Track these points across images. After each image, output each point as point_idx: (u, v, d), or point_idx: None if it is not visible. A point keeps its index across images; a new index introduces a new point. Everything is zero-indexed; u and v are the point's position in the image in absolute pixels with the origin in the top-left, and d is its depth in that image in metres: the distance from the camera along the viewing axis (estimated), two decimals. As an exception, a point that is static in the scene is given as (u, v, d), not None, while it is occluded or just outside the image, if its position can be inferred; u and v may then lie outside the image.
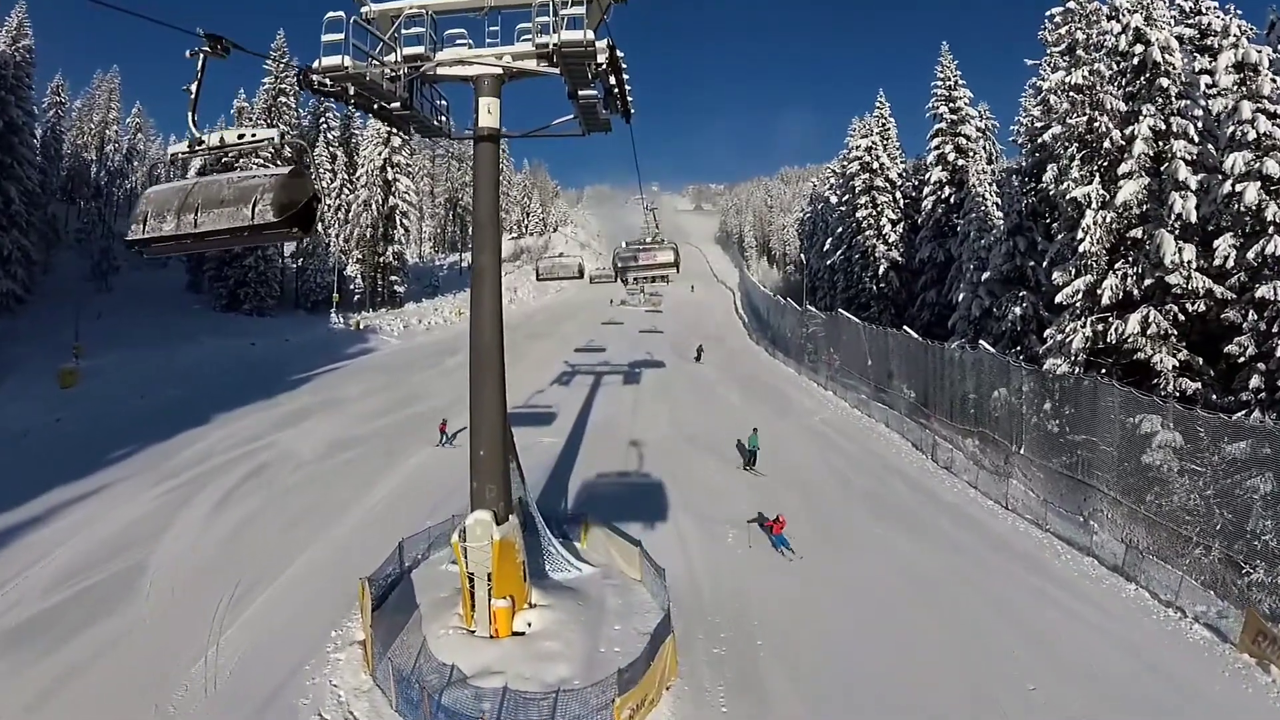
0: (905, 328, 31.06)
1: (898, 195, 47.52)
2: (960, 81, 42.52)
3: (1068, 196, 21.77)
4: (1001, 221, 32.20)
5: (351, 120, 71.13)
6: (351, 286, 61.24)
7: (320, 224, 62.86)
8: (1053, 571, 16.17)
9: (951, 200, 40.35)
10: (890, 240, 45.85)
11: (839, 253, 50.68)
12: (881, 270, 45.32)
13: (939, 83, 42.90)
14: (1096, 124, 21.54)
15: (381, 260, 62.16)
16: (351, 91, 10.00)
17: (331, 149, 64.31)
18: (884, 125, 50.02)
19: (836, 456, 23.28)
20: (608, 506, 18.16)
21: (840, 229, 51.84)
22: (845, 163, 53.09)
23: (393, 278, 62.97)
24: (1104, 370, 20.76)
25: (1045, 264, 24.20)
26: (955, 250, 36.77)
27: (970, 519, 18.91)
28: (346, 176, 63.65)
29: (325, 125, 65.68)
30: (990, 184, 34.46)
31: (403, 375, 37.02)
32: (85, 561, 15.06)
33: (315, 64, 9.29)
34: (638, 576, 13.54)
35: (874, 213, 47.04)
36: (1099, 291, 20.85)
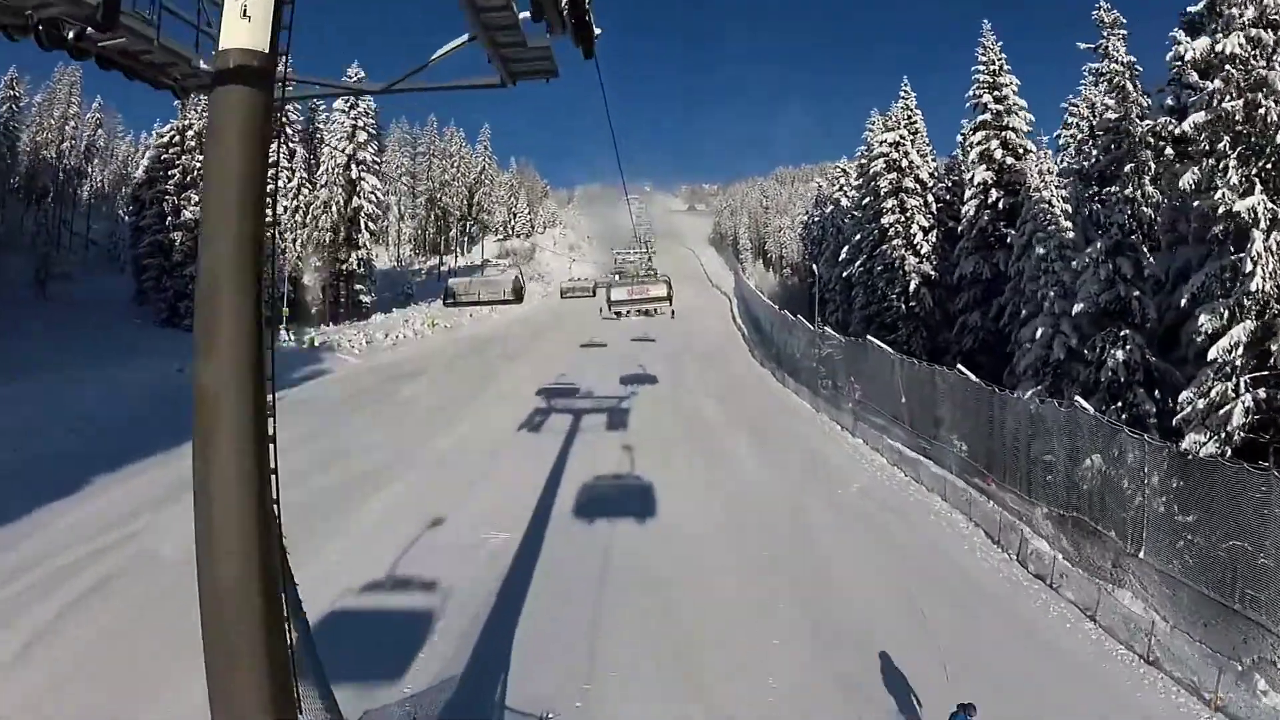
0: (960, 367, 24.93)
1: (929, 199, 41.28)
2: (1005, 66, 36.35)
3: (1220, 210, 15.70)
4: (1072, 234, 26.21)
5: (315, 112, 64.77)
6: (310, 297, 54.98)
7: (276, 227, 56.70)
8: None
9: (1000, 206, 34.15)
10: (922, 251, 39.53)
11: (857, 264, 44.44)
12: (912, 287, 39.03)
13: (980, 67, 36.69)
14: (1261, 110, 15.49)
15: (344, 267, 55.89)
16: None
17: (290, 144, 57.88)
18: (911, 118, 43.71)
19: (893, 559, 17.00)
20: (573, 670, 12.21)
21: (859, 236, 45.63)
22: (866, 160, 46.66)
23: (357, 286, 56.77)
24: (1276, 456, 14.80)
25: (1186, 299, 17.78)
26: (1010, 266, 30.57)
27: (1110, 694, 12.62)
28: (306, 175, 57.35)
29: (285, 119, 59.14)
30: (1055, 188, 28.23)
31: (339, 416, 30.68)
32: None
33: None
34: None
35: (903, 219, 40.63)
36: (1271, 346, 14.83)
